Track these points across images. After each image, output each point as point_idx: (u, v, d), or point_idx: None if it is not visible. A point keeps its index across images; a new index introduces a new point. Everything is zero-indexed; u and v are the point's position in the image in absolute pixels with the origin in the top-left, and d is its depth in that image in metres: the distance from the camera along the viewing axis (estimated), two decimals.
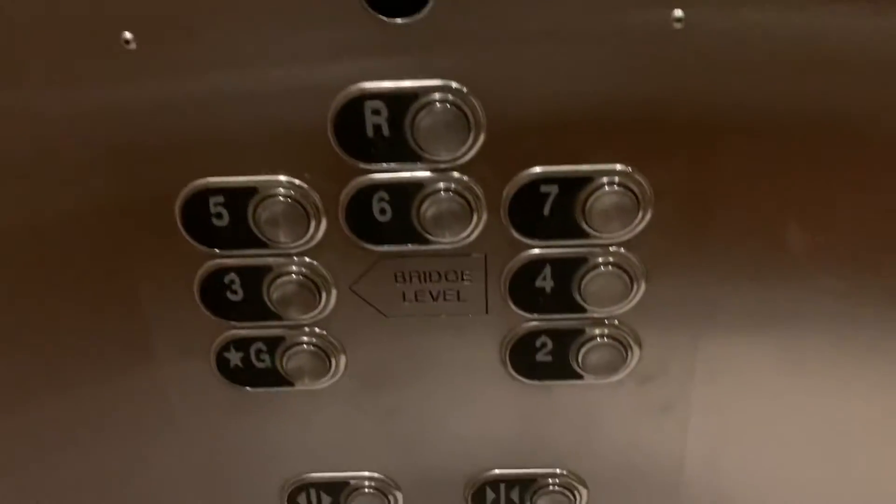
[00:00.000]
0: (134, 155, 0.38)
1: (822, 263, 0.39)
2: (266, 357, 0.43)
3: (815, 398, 0.43)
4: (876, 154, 0.37)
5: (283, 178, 0.38)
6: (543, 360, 0.43)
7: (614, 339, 0.42)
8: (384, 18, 0.34)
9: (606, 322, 0.42)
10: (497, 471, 0.47)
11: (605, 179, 0.37)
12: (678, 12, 0.33)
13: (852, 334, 0.41)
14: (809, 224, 0.39)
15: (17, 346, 0.44)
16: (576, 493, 0.47)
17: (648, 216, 0.38)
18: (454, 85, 0.36)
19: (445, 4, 0.34)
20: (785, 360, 0.42)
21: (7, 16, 0.34)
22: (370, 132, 0.37)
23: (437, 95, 0.36)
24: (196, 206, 0.39)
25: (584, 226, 0.38)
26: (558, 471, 0.47)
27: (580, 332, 0.42)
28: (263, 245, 0.40)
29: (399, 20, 0.34)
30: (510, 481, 0.47)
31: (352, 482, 0.48)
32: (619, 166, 0.37)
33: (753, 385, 0.43)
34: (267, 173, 0.38)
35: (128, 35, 0.35)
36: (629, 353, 0.42)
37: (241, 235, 0.39)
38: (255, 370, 0.44)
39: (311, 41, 0.35)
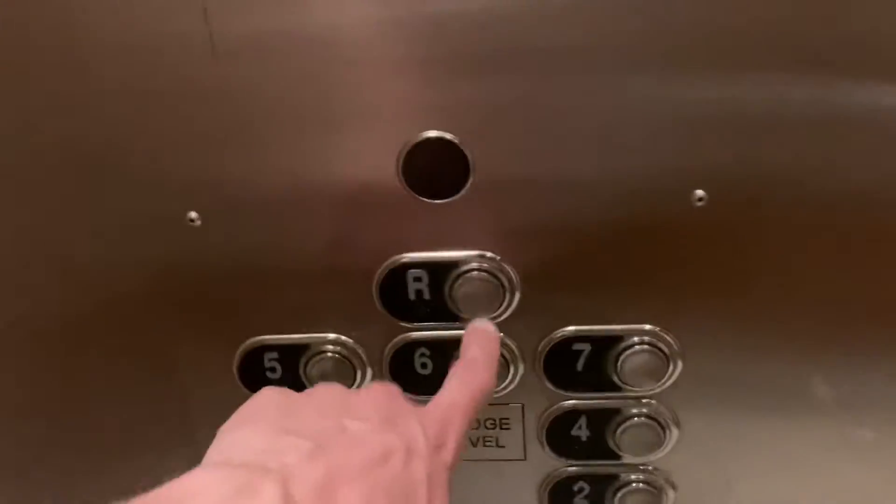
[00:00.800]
0: (200, 313, 0.41)
1: (849, 413, 0.40)
2: None
3: None
4: None
5: (331, 335, 0.41)
6: (581, 503, 0.44)
7: (649, 483, 0.43)
8: (426, 200, 0.37)
9: (641, 467, 0.43)
10: None
11: (635, 339, 0.39)
12: (699, 192, 0.36)
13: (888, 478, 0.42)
14: (835, 379, 0.40)
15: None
16: None
17: (678, 370, 0.40)
18: (488, 254, 0.38)
19: (479, 188, 0.37)
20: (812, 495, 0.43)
21: None
22: (412, 296, 0.39)
23: (473, 264, 0.38)
24: (252, 361, 0.42)
25: (617, 380, 0.40)
26: None
27: (615, 477, 0.43)
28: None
29: (438, 201, 0.37)
30: None
31: None
32: (647, 326, 0.39)
33: None
34: (317, 332, 0.41)
35: (193, 214, 0.38)
36: (664, 497, 0.43)
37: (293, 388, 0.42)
38: None
39: (362, 220, 0.38)
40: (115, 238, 0.40)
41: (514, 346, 0.40)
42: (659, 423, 0.41)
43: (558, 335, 0.40)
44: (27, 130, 0.37)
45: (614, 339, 0.40)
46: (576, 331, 0.40)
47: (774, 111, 0.34)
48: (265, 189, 0.37)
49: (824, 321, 0.39)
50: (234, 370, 0.42)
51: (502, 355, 0.40)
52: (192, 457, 0.26)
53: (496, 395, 0.42)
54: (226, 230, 0.39)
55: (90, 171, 0.38)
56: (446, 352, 0.41)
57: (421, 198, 0.37)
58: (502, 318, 0.40)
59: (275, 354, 0.42)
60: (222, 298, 0.41)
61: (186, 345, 0.42)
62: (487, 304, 0.39)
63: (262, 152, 0.37)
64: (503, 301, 0.39)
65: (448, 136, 0.36)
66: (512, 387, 0.41)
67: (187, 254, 0.39)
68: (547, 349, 0.40)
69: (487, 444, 0.43)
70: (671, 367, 0.40)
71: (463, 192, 0.37)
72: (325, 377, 0.41)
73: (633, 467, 0.43)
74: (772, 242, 0.37)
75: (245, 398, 0.34)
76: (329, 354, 0.41)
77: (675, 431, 0.42)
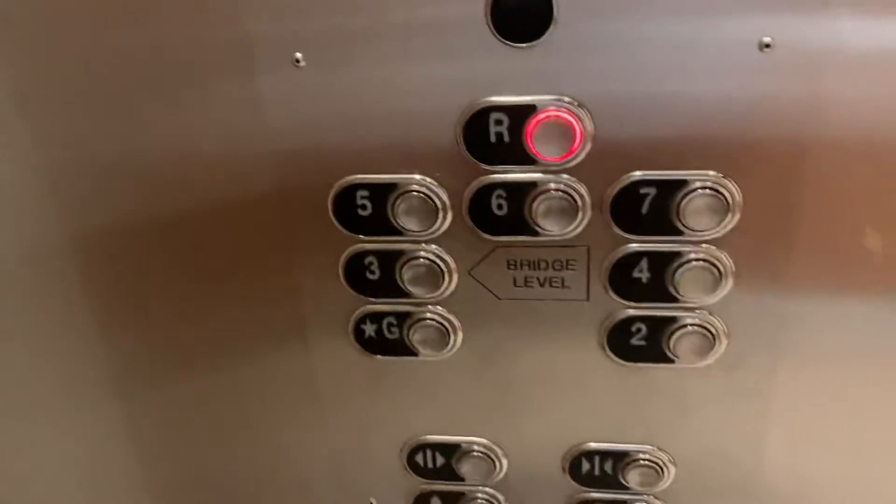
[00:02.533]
0: (298, 157, 0.46)
1: None
2: (395, 329, 0.51)
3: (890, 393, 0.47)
4: None
5: (417, 176, 0.45)
6: (638, 343, 0.48)
7: (703, 327, 0.46)
8: (510, 44, 0.41)
9: (697, 311, 0.46)
10: (593, 444, 0.53)
11: (698, 183, 0.42)
12: (766, 38, 0.38)
13: None
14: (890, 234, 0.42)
15: (184, 324, 0.53)
16: (664, 469, 0.52)
17: (737, 218, 0.43)
18: (566, 98, 0.42)
19: (562, 33, 0.40)
20: (866, 355, 0.46)
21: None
22: (493, 139, 0.43)
23: (551, 108, 0.42)
24: (345, 199, 0.46)
25: (679, 224, 0.43)
26: (649, 447, 0.52)
27: (673, 319, 0.47)
28: (399, 233, 0.47)
29: (522, 45, 0.40)
30: (604, 454, 0.53)
31: (463, 445, 0.54)
32: (711, 172, 0.42)
33: (834, 376, 0.47)
34: (404, 172, 0.45)
35: (298, 55, 0.43)
36: (717, 342, 0.47)
37: (381, 224, 0.47)
38: (386, 341, 0.51)
39: (448, 64, 0.42)
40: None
41: (584, 191, 0.44)
42: (716, 268, 0.44)
43: (626, 179, 0.43)
44: None
45: (679, 183, 0.43)
46: (643, 175, 0.43)
47: None
48: (357, 28, 0.41)
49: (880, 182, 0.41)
50: (329, 206, 0.47)
51: (573, 200, 0.44)
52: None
53: (564, 239, 0.46)
54: (329, 71, 0.43)
55: None
56: (521, 194, 0.45)
57: (505, 41, 0.41)
58: (575, 161, 0.43)
59: (366, 192, 0.46)
60: (319, 139, 0.45)
61: (287, 184, 0.47)
62: (561, 145, 0.43)
63: None
64: (577, 144, 0.42)
65: None
66: (580, 229, 0.45)
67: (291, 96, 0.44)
68: (614, 193, 0.44)
69: (554, 284, 0.47)
70: (730, 215, 0.43)
71: (545, 36, 0.40)
72: (410, 214, 0.46)
73: (690, 311, 0.46)
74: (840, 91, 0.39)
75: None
76: (415, 194, 0.46)
77: (730, 279, 0.45)
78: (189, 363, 0.54)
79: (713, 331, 0.47)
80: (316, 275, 0.49)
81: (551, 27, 0.40)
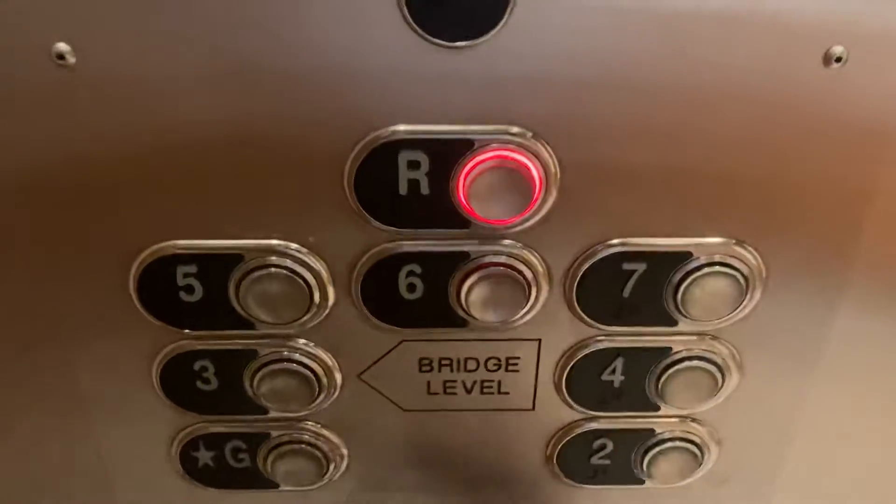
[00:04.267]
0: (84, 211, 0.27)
1: None
2: (245, 457, 0.34)
3: None
4: None
5: (276, 242, 0.28)
6: (600, 463, 0.34)
7: (689, 441, 0.34)
8: (436, 41, 0.24)
9: (681, 421, 0.33)
10: None
11: (704, 258, 0.29)
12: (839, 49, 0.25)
13: None
14: None
15: None
16: None
17: (756, 299, 0.30)
18: (517, 129, 0.26)
19: (520, 26, 0.24)
20: (871, 465, 0.35)
21: None
22: (404, 189, 0.27)
23: (495, 144, 0.26)
24: (157, 277, 0.28)
25: (676, 312, 0.30)
26: None
27: (650, 432, 0.33)
28: (248, 325, 0.30)
29: (457, 44, 0.24)
30: None
31: None
32: (721, 239, 0.29)
33: (841, 487, 0.36)
34: (256, 237, 0.28)
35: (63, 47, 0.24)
36: (705, 456, 0.34)
37: (219, 313, 0.29)
38: (231, 471, 0.34)
39: (334, 70, 0.25)
40: None
41: (538, 264, 0.29)
42: (718, 367, 0.31)
43: (602, 250, 0.29)
44: None
45: (679, 257, 0.29)
46: (627, 244, 0.29)
47: None
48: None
49: None
50: (131, 287, 0.29)
51: (522, 276, 0.29)
52: None
53: (506, 328, 0.31)
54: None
55: None
56: (445, 270, 0.29)
57: (428, 36, 0.24)
58: (527, 224, 0.28)
59: (192, 268, 0.29)
60: (115, 183, 0.27)
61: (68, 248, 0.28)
62: (509, 203, 0.27)
63: None
64: (533, 200, 0.27)
65: None
66: (530, 317, 0.30)
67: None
68: (585, 268, 0.29)
69: (486, 390, 0.32)
70: (748, 297, 0.29)
71: (494, 30, 0.24)
72: (266, 302, 0.29)
73: (672, 420, 0.33)
74: None
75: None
76: (273, 270, 0.28)
77: (735, 377, 0.32)
78: None
79: (700, 443, 0.34)
80: (115, 385, 0.31)
81: (503, 20, 0.24)
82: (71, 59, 0.24)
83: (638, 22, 0.25)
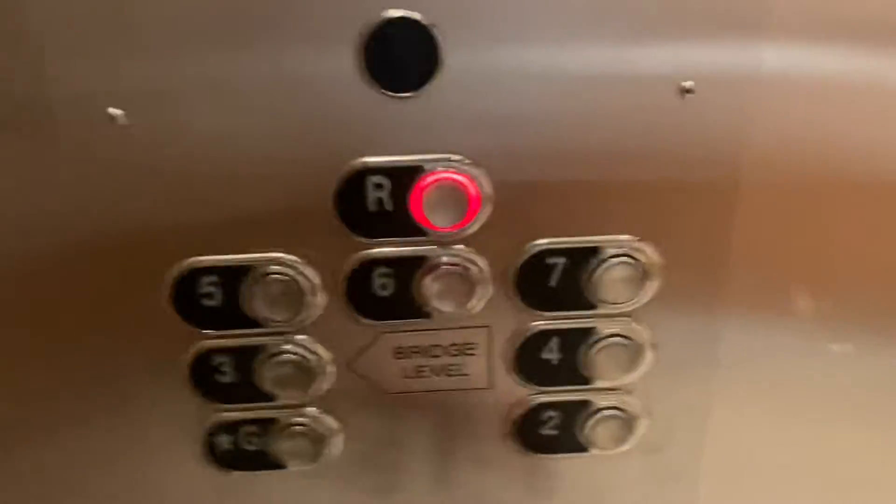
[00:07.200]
0: (122, 234, 0.36)
1: (830, 327, 0.39)
2: (256, 440, 0.41)
3: (825, 461, 0.43)
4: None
5: (277, 254, 0.36)
6: (550, 433, 0.41)
7: (621, 410, 0.41)
8: (388, 93, 0.33)
9: (614, 392, 0.41)
10: None
11: (612, 251, 0.37)
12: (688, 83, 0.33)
13: (861, 398, 0.41)
14: (818, 290, 0.38)
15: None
16: None
17: (657, 286, 0.37)
18: (457, 157, 0.35)
19: (450, 79, 0.33)
20: (794, 425, 0.42)
21: None
22: (372, 207, 0.35)
23: (440, 168, 0.35)
24: (187, 287, 0.37)
25: (592, 297, 0.37)
26: None
27: (587, 403, 0.41)
28: (257, 325, 0.38)
29: (403, 94, 0.33)
30: None
31: None
32: (625, 237, 0.37)
33: (764, 452, 0.42)
34: (261, 251, 0.36)
35: (116, 111, 0.33)
36: (637, 425, 0.41)
37: (235, 316, 0.37)
38: (244, 454, 0.41)
39: (314, 118, 0.33)
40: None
41: (482, 263, 0.37)
42: (634, 343, 0.39)
43: (531, 248, 0.37)
44: None
45: (590, 251, 0.37)
46: (550, 243, 0.37)
47: None
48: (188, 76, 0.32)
49: (811, 233, 0.37)
50: (165, 297, 0.37)
51: (468, 272, 0.37)
52: None
53: (461, 318, 0.38)
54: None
55: None
56: (409, 271, 0.37)
57: (382, 90, 0.33)
58: (470, 230, 0.36)
59: (212, 278, 0.37)
60: (150, 213, 0.35)
61: (108, 269, 0.36)
62: (453, 214, 0.35)
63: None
64: (471, 211, 0.35)
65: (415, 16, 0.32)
66: (479, 308, 0.38)
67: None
68: (518, 264, 0.37)
69: (451, 372, 0.40)
70: (648, 283, 0.37)
71: (431, 83, 0.33)
72: (272, 303, 0.37)
73: (606, 392, 0.40)
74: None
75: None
76: (276, 276, 0.37)
77: (650, 352, 0.39)
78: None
79: (632, 413, 0.41)
80: (154, 379, 0.39)
81: (437, 72, 0.33)
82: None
83: (543, 82, 0.33)
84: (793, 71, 0.34)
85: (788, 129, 0.35)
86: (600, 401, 0.41)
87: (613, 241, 0.37)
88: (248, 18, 0.32)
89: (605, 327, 0.39)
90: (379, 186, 0.35)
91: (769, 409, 0.41)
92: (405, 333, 0.39)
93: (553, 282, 0.37)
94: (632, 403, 0.41)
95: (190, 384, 0.39)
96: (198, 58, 0.32)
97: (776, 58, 0.33)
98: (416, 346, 0.39)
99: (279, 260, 0.37)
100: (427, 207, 0.35)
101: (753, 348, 0.40)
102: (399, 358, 0.39)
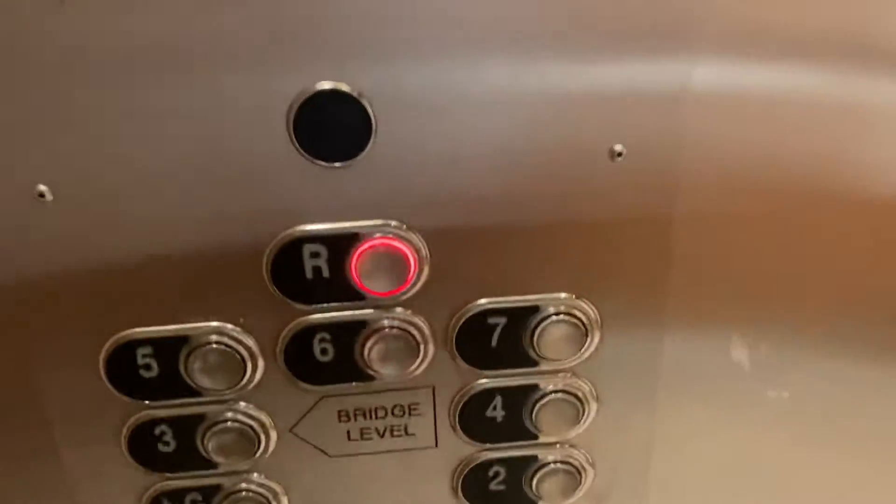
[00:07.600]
0: (54, 306, 0.35)
1: (766, 375, 0.40)
2: None
3: (767, 494, 0.44)
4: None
5: (214, 323, 0.36)
6: (497, 489, 0.41)
7: (568, 463, 0.41)
8: (321, 163, 0.33)
9: (558, 447, 0.41)
10: None
11: (551, 308, 0.37)
12: (618, 146, 0.34)
13: (802, 437, 0.42)
14: (753, 338, 0.39)
15: None
16: None
17: (596, 341, 0.38)
18: (394, 223, 0.35)
19: (383, 148, 0.33)
20: (738, 472, 0.42)
21: None
22: (310, 274, 0.35)
23: (377, 235, 0.35)
24: (122, 359, 0.36)
25: (534, 354, 0.38)
26: None
27: (533, 458, 0.41)
28: (196, 393, 0.37)
29: (336, 164, 0.33)
30: None
31: None
32: (563, 294, 0.37)
33: (708, 489, 0.43)
34: (197, 321, 0.36)
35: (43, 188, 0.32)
36: (583, 476, 0.41)
37: (173, 386, 0.37)
38: None
39: (247, 189, 0.33)
40: None
41: (422, 325, 0.37)
42: (577, 398, 0.39)
43: (471, 309, 0.37)
44: None
45: (530, 310, 0.37)
46: (489, 302, 0.37)
47: None
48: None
49: (745, 286, 0.38)
50: (101, 371, 0.36)
51: (409, 335, 0.37)
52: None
53: (404, 381, 0.38)
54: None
55: None
56: (349, 336, 0.37)
57: (315, 160, 0.33)
58: (409, 294, 0.36)
59: (148, 349, 0.36)
60: (81, 287, 0.35)
61: (42, 344, 0.36)
62: (391, 279, 0.35)
63: None
64: (410, 275, 0.35)
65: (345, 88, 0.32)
66: (422, 369, 0.38)
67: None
68: (459, 325, 0.37)
69: (396, 433, 0.40)
70: (589, 338, 0.38)
71: (364, 152, 0.33)
72: (212, 372, 0.36)
73: (551, 447, 0.41)
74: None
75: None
76: (214, 346, 0.36)
77: (594, 405, 0.40)
78: None
79: (578, 465, 0.41)
80: (90, 452, 0.38)
81: (370, 142, 0.33)
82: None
83: (474, 148, 0.34)
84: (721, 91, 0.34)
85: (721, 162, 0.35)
86: (546, 455, 0.41)
87: (552, 300, 0.37)
88: (180, 92, 0.31)
89: (547, 384, 0.39)
90: (316, 255, 0.35)
91: (710, 448, 0.42)
92: (348, 397, 0.39)
93: (494, 341, 0.37)
94: (577, 456, 0.41)
95: (131, 454, 0.39)
96: (127, 128, 0.32)
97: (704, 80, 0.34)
98: (359, 409, 0.39)
99: (217, 329, 0.36)
100: (365, 274, 0.35)
101: (693, 392, 0.40)
102: (343, 421, 0.39)
